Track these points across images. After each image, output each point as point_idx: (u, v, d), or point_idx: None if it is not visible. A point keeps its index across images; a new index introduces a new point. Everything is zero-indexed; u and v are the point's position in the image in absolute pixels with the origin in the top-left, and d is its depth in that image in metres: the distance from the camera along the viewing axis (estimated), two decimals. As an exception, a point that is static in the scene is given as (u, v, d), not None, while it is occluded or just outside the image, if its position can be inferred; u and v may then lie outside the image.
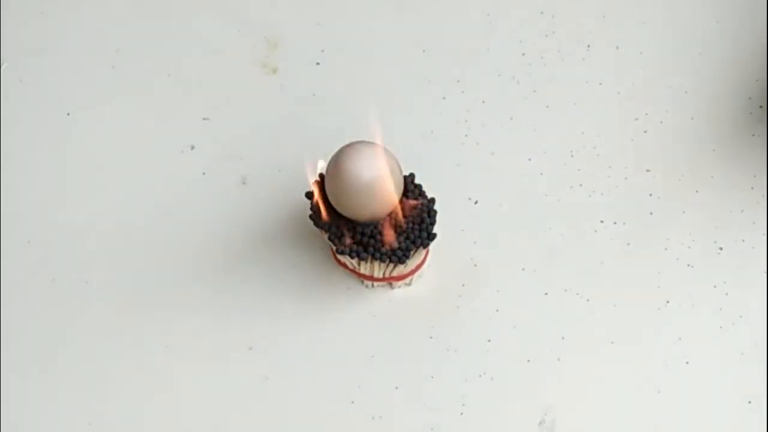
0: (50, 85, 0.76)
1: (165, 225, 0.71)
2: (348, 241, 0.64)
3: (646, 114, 0.74)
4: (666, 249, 0.70)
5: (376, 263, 0.66)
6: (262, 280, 0.70)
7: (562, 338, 0.68)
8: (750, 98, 0.74)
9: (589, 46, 0.76)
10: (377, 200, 0.62)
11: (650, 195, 0.71)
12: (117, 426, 0.66)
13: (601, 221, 0.71)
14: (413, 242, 0.64)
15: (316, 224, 0.65)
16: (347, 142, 0.65)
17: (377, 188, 0.62)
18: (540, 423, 0.66)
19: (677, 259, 0.70)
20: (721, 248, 0.70)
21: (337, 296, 0.69)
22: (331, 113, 0.74)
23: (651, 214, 0.71)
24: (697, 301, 0.68)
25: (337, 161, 0.62)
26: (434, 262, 0.69)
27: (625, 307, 0.68)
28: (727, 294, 0.69)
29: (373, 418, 0.67)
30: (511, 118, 0.74)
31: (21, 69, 0.77)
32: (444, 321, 0.68)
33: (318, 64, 0.76)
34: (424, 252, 0.67)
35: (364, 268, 0.67)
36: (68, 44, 0.77)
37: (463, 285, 0.69)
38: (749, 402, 0.66)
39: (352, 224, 0.64)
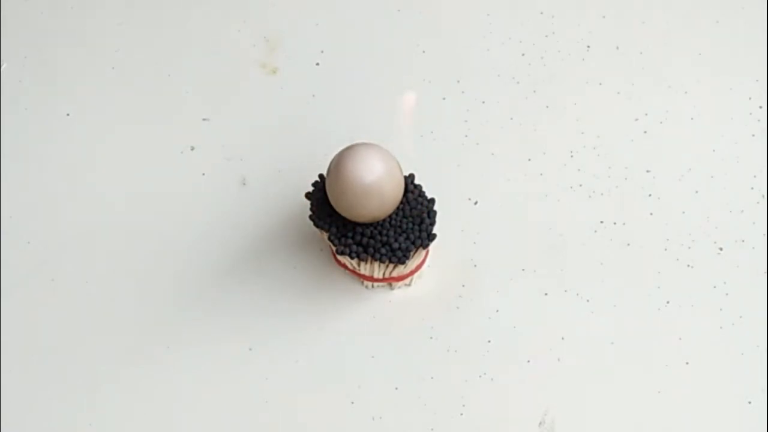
0: (50, 85, 0.76)
1: (165, 225, 0.71)
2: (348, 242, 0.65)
3: (646, 114, 0.74)
4: (666, 249, 0.70)
5: (376, 264, 0.66)
6: (262, 280, 0.70)
7: (562, 338, 0.68)
8: (750, 98, 0.74)
9: (589, 46, 0.76)
10: (378, 202, 0.62)
11: (650, 195, 0.72)
12: (117, 426, 0.67)
13: (601, 221, 0.71)
14: (413, 242, 0.64)
15: (316, 224, 0.65)
16: (347, 142, 0.65)
17: (378, 190, 0.62)
18: (540, 423, 0.66)
19: (677, 259, 0.70)
20: (721, 248, 0.70)
21: (337, 297, 0.69)
22: (331, 113, 0.74)
23: (651, 214, 0.71)
24: (697, 301, 0.68)
25: (337, 163, 0.62)
26: (434, 262, 0.69)
27: (625, 307, 0.68)
28: (727, 294, 0.69)
29: (373, 418, 0.67)
30: (511, 118, 0.74)
31: (21, 69, 0.77)
32: (444, 321, 0.68)
33: (318, 64, 0.76)
34: (424, 252, 0.67)
35: (364, 269, 0.67)
36: (68, 44, 0.77)
37: (463, 285, 0.69)
38: (749, 402, 0.66)
39: (353, 225, 0.64)
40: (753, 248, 0.70)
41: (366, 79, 0.76)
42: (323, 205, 0.65)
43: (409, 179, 0.66)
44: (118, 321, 0.69)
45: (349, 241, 0.64)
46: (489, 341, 0.68)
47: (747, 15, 0.77)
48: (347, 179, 0.62)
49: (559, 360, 0.67)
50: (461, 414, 0.66)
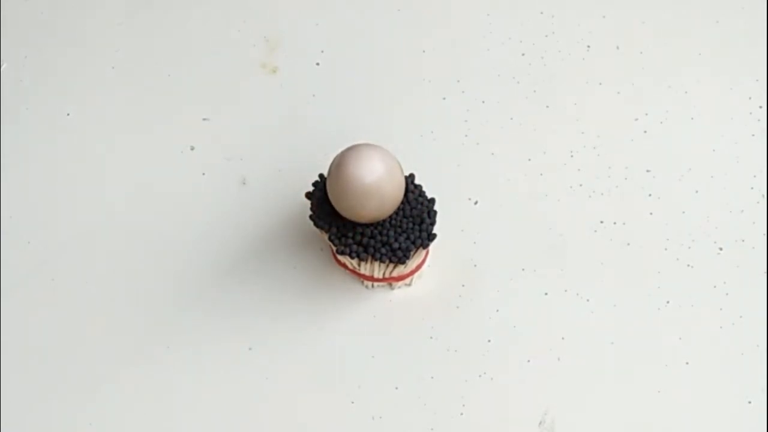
0: (50, 85, 0.76)
1: (165, 225, 0.71)
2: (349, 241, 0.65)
3: (646, 114, 0.74)
4: (666, 249, 0.70)
5: (377, 263, 0.66)
6: (262, 280, 0.70)
7: (562, 338, 0.68)
8: (750, 98, 0.74)
9: (589, 46, 0.76)
10: (378, 202, 0.62)
11: (650, 195, 0.72)
12: (117, 426, 0.66)
13: (601, 221, 0.71)
14: (413, 242, 0.64)
15: (316, 224, 0.65)
16: (347, 142, 0.65)
17: (378, 191, 0.62)
18: (540, 423, 0.66)
19: (677, 259, 0.70)
20: (721, 248, 0.70)
21: (337, 296, 0.69)
22: (331, 113, 0.74)
23: (651, 214, 0.71)
24: (697, 301, 0.68)
25: (338, 164, 0.62)
26: (434, 262, 0.69)
27: (625, 307, 0.68)
28: (727, 294, 0.69)
29: (373, 418, 0.67)
30: (511, 118, 0.74)
31: (21, 69, 0.77)
32: (444, 321, 0.68)
33: (318, 64, 0.76)
34: (424, 252, 0.67)
35: (365, 269, 0.67)
36: (68, 44, 0.77)
37: (463, 285, 0.69)
38: (749, 402, 0.66)
39: (353, 225, 0.64)
40: (753, 248, 0.70)
41: (366, 79, 0.76)
42: (323, 205, 0.65)
43: (409, 179, 0.66)
44: (118, 321, 0.69)
45: (350, 241, 0.64)
46: (489, 341, 0.68)
47: (747, 15, 0.77)
48: (348, 179, 0.62)
49: (559, 360, 0.67)
50: (461, 414, 0.66)
